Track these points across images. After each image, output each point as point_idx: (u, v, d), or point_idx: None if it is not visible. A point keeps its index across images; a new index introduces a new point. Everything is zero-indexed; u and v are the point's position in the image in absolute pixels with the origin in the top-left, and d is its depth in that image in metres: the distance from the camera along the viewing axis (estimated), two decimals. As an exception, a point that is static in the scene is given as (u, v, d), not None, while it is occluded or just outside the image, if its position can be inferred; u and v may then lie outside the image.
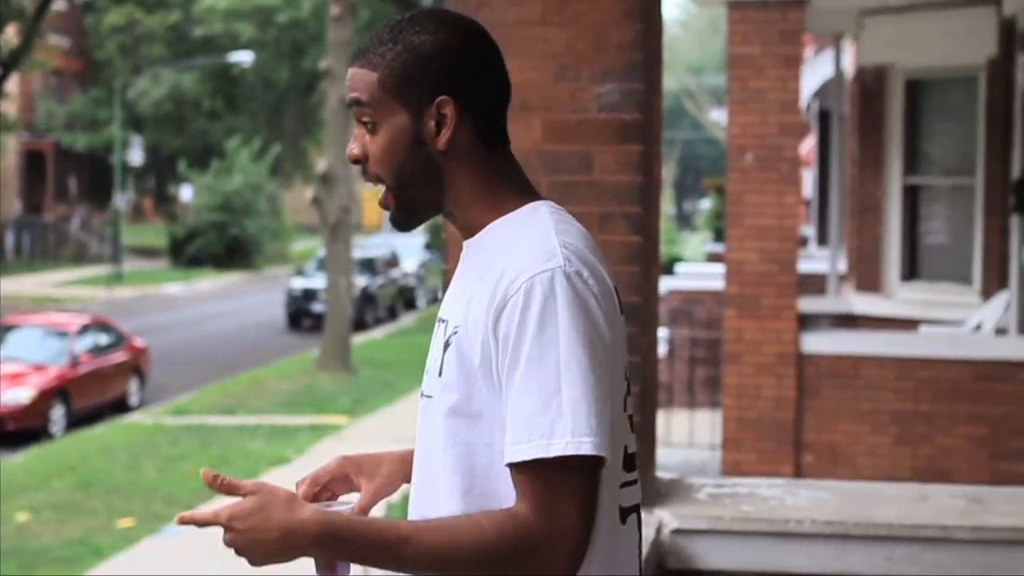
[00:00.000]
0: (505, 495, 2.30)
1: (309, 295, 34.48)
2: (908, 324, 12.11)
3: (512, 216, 2.42)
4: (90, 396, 22.38)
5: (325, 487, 2.62)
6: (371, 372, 26.42)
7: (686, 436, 13.62)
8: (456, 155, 2.42)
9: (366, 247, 39.73)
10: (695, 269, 22.73)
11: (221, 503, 2.24)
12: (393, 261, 38.71)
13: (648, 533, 4.06)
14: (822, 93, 18.83)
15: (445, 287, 4.26)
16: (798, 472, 10.65)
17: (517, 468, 2.26)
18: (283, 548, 2.33)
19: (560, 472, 2.23)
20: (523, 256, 2.31)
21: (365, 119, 2.43)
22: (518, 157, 4.25)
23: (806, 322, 11.75)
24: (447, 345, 2.37)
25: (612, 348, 2.32)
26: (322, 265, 31.97)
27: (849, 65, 15.36)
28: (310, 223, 55.59)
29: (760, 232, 10.82)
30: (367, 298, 35.20)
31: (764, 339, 10.82)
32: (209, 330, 33.80)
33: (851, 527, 4.11)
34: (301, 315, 34.79)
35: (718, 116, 47.95)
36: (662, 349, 16.50)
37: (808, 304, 12.42)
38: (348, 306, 27.57)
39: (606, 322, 2.31)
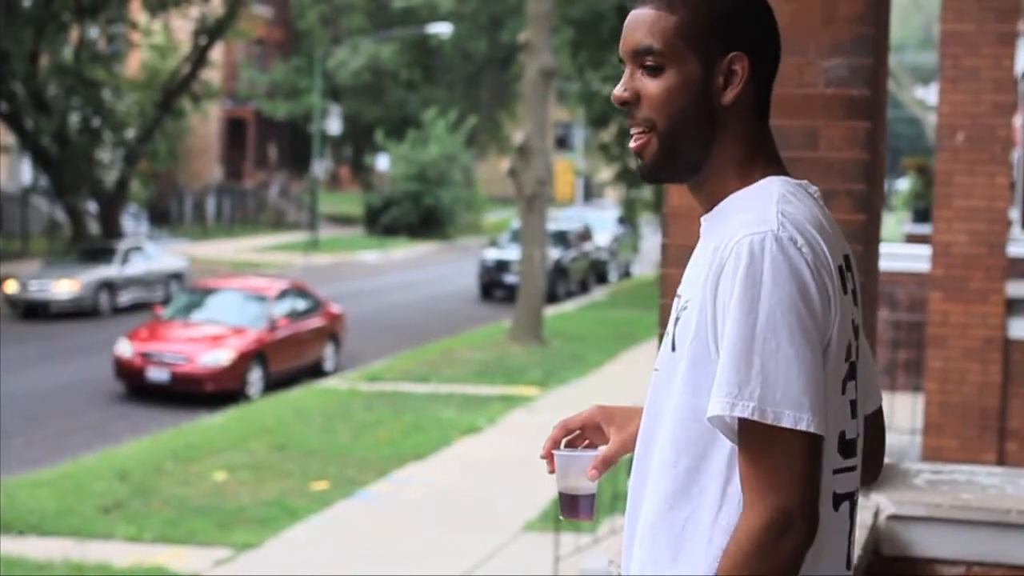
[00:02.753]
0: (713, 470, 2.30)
1: (502, 266, 34.65)
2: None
3: (748, 188, 2.38)
4: (287, 360, 22.77)
5: (581, 434, 2.63)
6: (562, 345, 26.46)
7: (887, 419, 13.39)
8: (734, 115, 2.38)
9: (559, 220, 39.79)
10: (894, 250, 22.34)
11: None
12: (586, 235, 38.70)
13: (865, 518, 3.98)
14: (1033, 72, 18.32)
15: (666, 263, 4.21)
16: (1001, 460, 10.41)
17: (734, 435, 2.24)
18: None
19: (764, 444, 2.21)
20: (739, 222, 2.28)
21: (650, 63, 2.37)
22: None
23: (1014, 307, 11.46)
24: (676, 320, 2.36)
25: (823, 321, 2.26)
26: (516, 237, 32.12)
27: (1064, 44, 14.91)
28: (503, 195, 55.94)
29: (969, 213, 10.58)
30: (559, 271, 35.27)
31: (970, 323, 10.58)
32: (402, 298, 34.17)
33: (1077, 519, 3.99)
34: (494, 286, 34.99)
35: (921, 94, 47.04)
36: (861, 330, 16.22)
37: (1016, 288, 12.11)
38: (541, 278, 27.62)
39: (818, 293, 2.25)
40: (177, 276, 32.13)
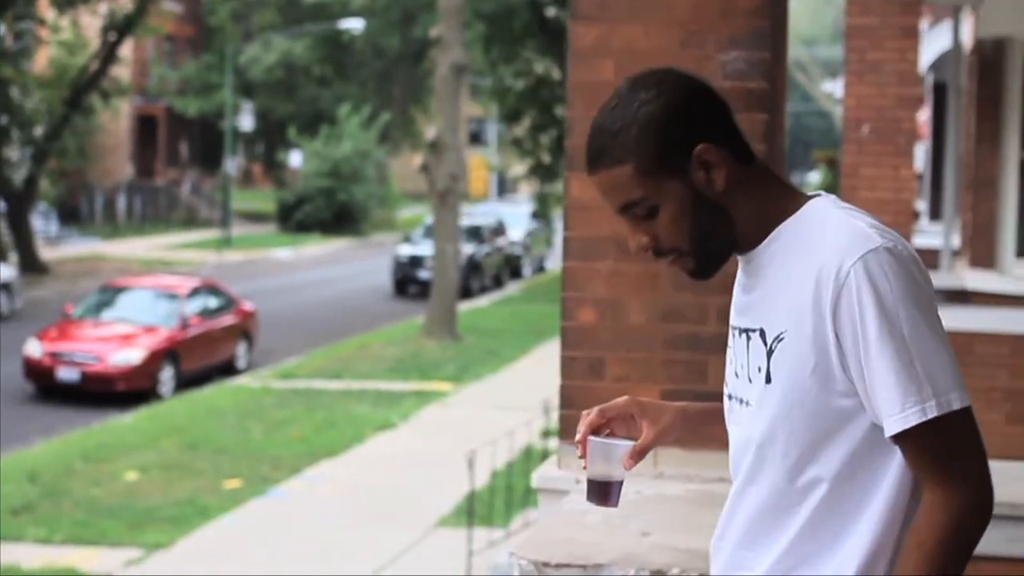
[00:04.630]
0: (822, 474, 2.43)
1: (416, 262, 34.62)
2: (1023, 301, 11.90)
3: (797, 217, 2.47)
4: (199, 358, 22.62)
5: (609, 421, 2.72)
6: (476, 340, 26.48)
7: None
8: (732, 188, 2.47)
9: (473, 215, 39.78)
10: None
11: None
12: (500, 230, 38.73)
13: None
14: (938, 66, 18.54)
15: (568, 255, 4.22)
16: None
17: (903, 444, 2.36)
18: None
19: (942, 435, 2.34)
20: (839, 246, 2.37)
21: (640, 214, 2.47)
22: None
23: (919, 298, 11.57)
24: (771, 352, 2.44)
25: (935, 303, 2.42)
26: (429, 232, 32.08)
27: (967, 37, 15.10)
28: (417, 190, 55.86)
29: (875, 205, 10.67)
30: (473, 266, 35.27)
31: (877, 314, 10.67)
32: (316, 295, 34.04)
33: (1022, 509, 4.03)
34: (407, 282, 34.95)
35: (830, 88, 47.45)
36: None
37: (921, 279, 12.23)
38: (454, 273, 27.62)
39: (926, 282, 2.41)
40: (5, 287, 28.63)
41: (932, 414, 2.32)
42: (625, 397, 2.77)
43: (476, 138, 67.90)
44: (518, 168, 47.27)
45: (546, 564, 3.46)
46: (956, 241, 14.49)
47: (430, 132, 27.97)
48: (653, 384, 4.25)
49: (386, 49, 55.61)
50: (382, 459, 16.59)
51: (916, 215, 22.31)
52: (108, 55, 37.35)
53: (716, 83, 4.14)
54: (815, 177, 48.12)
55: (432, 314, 26.96)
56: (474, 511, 12.12)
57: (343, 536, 13.29)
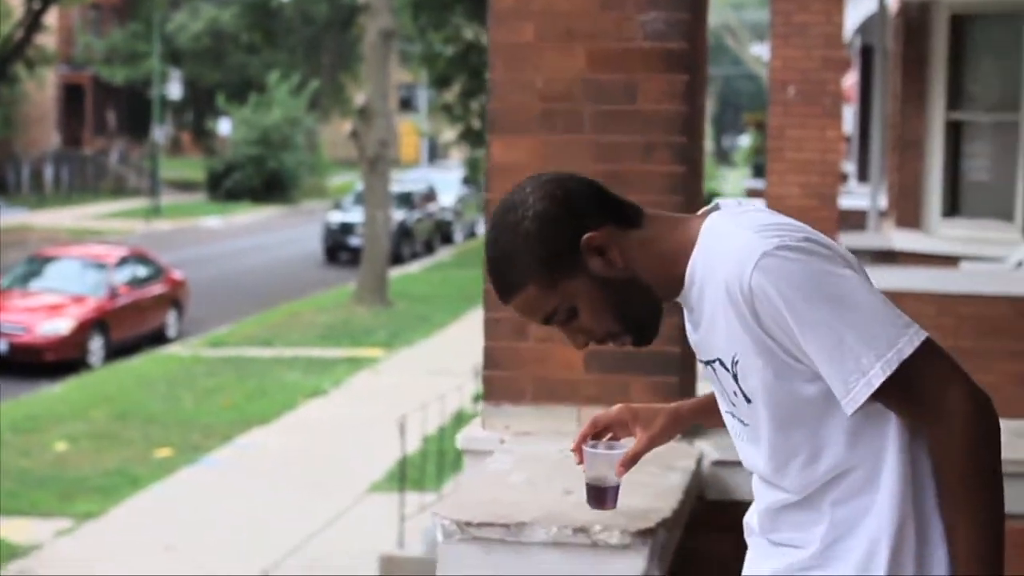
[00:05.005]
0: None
1: (346, 229, 34.48)
2: (949, 261, 12.01)
3: (697, 249, 2.53)
4: (128, 328, 22.47)
5: (606, 428, 2.84)
6: (407, 306, 26.45)
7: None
8: (631, 256, 2.54)
9: (403, 181, 39.66)
10: (733, 205, 22.57)
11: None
12: (431, 195, 38.64)
13: (688, 464, 4.04)
14: (864, 28, 18.63)
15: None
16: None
17: (883, 405, 2.42)
18: None
19: (908, 384, 2.39)
20: (733, 266, 2.42)
21: (563, 319, 2.55)
22: (560, 87, 4.22)
23: (846, 258, 11.66)
24: (736, 376, 2.52)
25: (846, 259, 2.47)
26: (359, 199, 31.95)
27: (893, 0, 15.19)
28: (348, 157, 55.56)
29: (801, 166, 10.75)
30: (404, 232, 35.19)
31: (804, 275, 10.74)
32: (246, 263, 33.87)
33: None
34: (338, 249, 34.81)
35: (759, 51, 47.62)
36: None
37: (848, 240, 12.33)
38: (385, 240, 27.56)
39: (827, 250, 2.43)
40: None
41: (879, 380, 2.37)
42: (619, 405, 2.86)
43: (406, 104, 67.60)
44: (449, 134, 47.13)
45: (468, 524, 3.46)
46: (883, 202, 14.60)
47: (359, 99, 27.87)
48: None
49: (315, 16, 55.25)
50: (313, 426, 16.57)
51: (844, 177, 22.44)
52: (33, 23, 36.92)
53: (636, 44, 4.17)
54: (745, 140, 48.31)
55: (363, 281, 26.89)
56: (406, 476, 12.13)
57: (275, 503, 13.27)
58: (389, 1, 27.74)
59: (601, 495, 2.80)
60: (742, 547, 4.29)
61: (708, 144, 65.45)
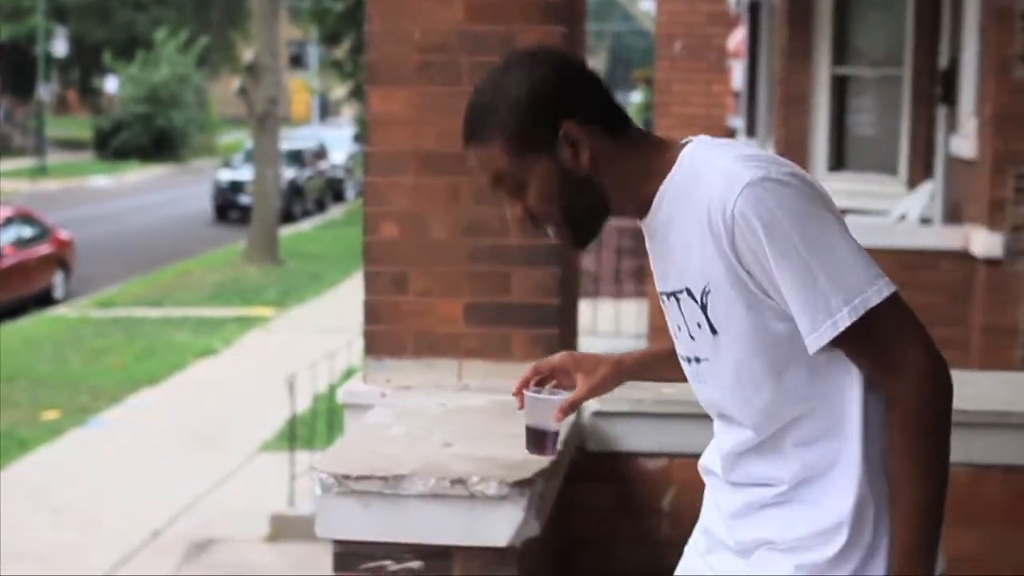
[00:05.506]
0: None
1: (236, 187, 34.21)
2: (834, 215, 12.13)
3: (673, 174, 2.52)
4: (14, 289, 22.12)
5: (548, 375, 2.83)
6: (298, 264, 26.32)
7: (612, 325, 13.65)
8: (602, 161, 2.52)
9: (294, 139, 39.41)
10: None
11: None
12: (321, 153, 38.43)
13: (568, 416, 4.04)
14: (751, -17, 18.71)
15: (370, 170, 4.19)
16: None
17: (845, 352, 2.45)
18: None
19: (870, 334, 2.40)
20: (717, 191, 2.41)
21: (510, 189, 2.55)
22: (437, 38, 4.20)
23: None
24: (705, 306, 2.51)
25: (831, 203, 2.47)
26: (249, 157, 31.70)
27: (779, -45, 15.27)
28: (238, 115, 54.99)
29: (688, 120, 10.82)
30: (295, 190, 34.99)
31: (691, 229, 10.82)
32: (135, 223, 33.50)
33: (771, 409, 4.12)
34: (228, 207, 34.54)
35: (648, 7, 47.74)
36: (590, 240, 16.46)
37: (735, 195, 12.42)
38: (275, 198, 27.40)
39: (812, 190, 2.44)
40: None
41: (844, 324, 2.38)
42: (561, 353, 2.87)
43: (297, 61, 67.07)
44: (340, 91, 46.88)
45: (347, 477, 3.46)
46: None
47: (247, 55, 27.61)
48: (457, 297, 4.26)
49: (203, -29, 54.62)
50: (204, 386, 16.44)
51: (733, 132, 22.57)
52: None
53: (513, -6, 4.15)
54: (637, 96, 48.47)
55: (253, 239, 26.73)
56: (296, 435, 12.07)
57: (165, 463, 13.16)
58: (277, -43, 27.49)
59: (541, 440, 2.78)
60: (623, 497, 4.33)
61: (600, 100, 65.69)
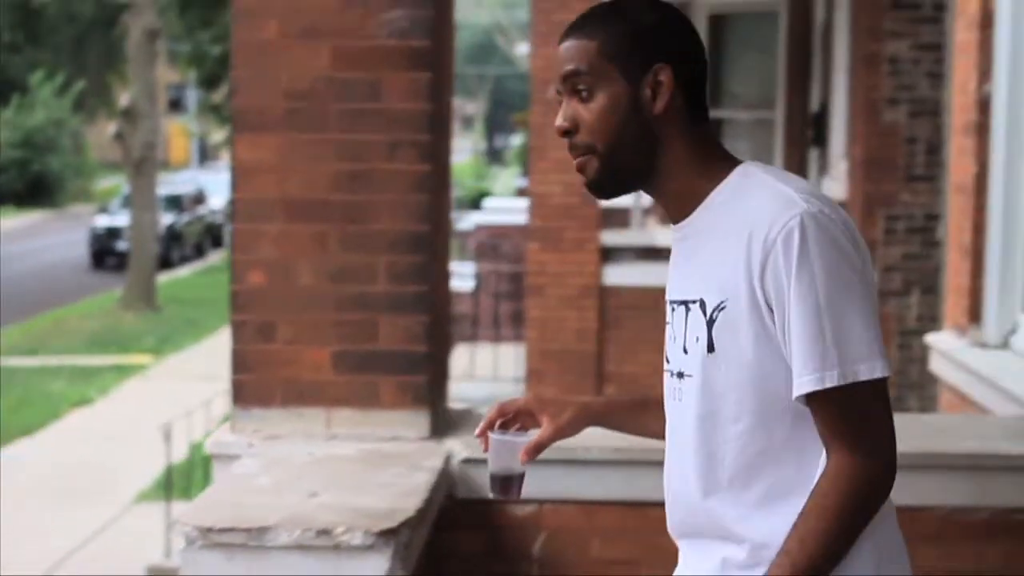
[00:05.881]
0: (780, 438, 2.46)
1: (113, 233, 33.81)
2: (710, 256, 12.25)
3: (726, 184, 2.49)
4: None
5: (513, 417, 2.74)
6: (177, 310, 26.07)
7: (490, 370, 13.65)
8: (670, 122, 2.49)
9: (172, 183, 39.09)
10: (503, 204, 22.80)
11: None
12: (200, 198, 38.14)
13: (436, 464, 4.03)
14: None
15: (237, 217, 4.15)
16: (602, 403, 10.73)
17: (811, 409, 2.41)
18: None
19: (846, 404, 2.38)
20: (766, 213, 2.39)
21: (580, 87, 2.49)
22: (304, 85, 4.19)
23: (610, 255, 11.83)
24: (712, 322, 2.45)
25: (866, 270, 2.44)
26: (127, 202, 31.38)
27: None
28: (115, 160, 54.48)
29: (563, 165, 10.81)
30: (173, 236, 34.68)
31: (566, 272, 10.87)
32: (10, 270, 32.95)
33: (638, 453, 4.12)
34: (105, 253, 34.11)
35: (527, 50, 48.03)
36: (469, 283, 16.50)
37: (612, 237, 12.50)
38: (153, 244, 27.15)
39: (856, 250, 2.41)
40: None
41: (830, 383, 2.36)
42: (528, 394, 2.90)
43: (176, 105, 66.53)
44: (219, 135, 46.64)
45: (210, 529, 3.41)
46: (646, 199, 14.82)
47: (124, 99, 27.38)
48: (324, 346, 4.23)
49: (79, 14, 54.09)
50: (80, 435, 16.22)
51: (611, 175, 22.67)
52: None
53: (379, 42, 4.16)
54: (518, 139, 48.68)
55: (131, 286, 26.45)
56: (172, 484, 11.94)
57: (40, 515, 12.95)
58: (153, 0, 27.30)
59: (507, 484, 2.71)
60: (493, 544, 4.31)
61: (481, 143, 65.60)
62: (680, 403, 2.55)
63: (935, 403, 7.46)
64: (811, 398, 2.39)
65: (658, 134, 2.49)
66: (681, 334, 2.53)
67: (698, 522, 2.55)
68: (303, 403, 4.27)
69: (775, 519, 2.45)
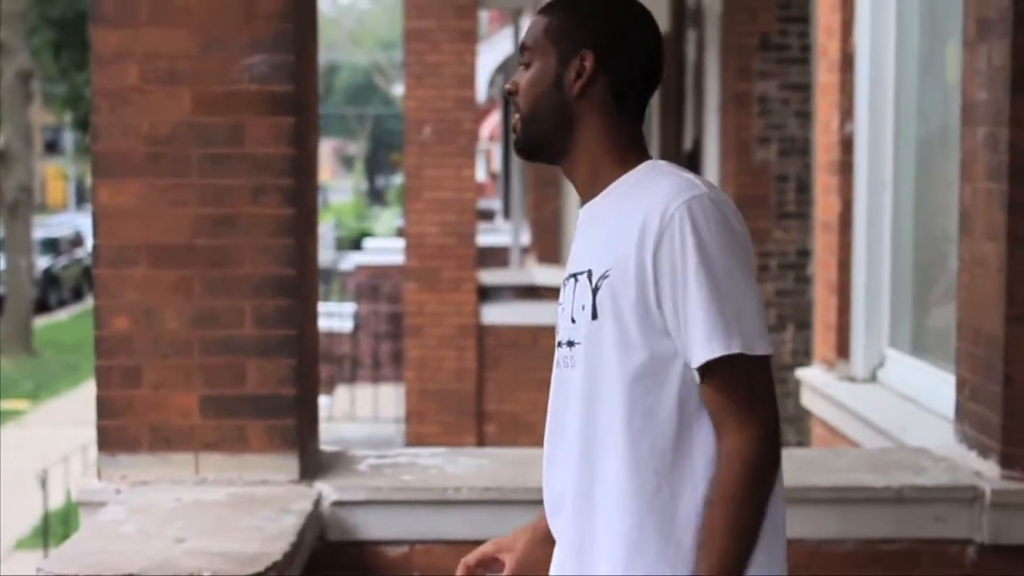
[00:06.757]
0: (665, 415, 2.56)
1: (-12, 277, 33.30)
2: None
3: (633, 172, 2.67)
4: None
5: (480, 568, 2.95)
6: (55, 355, 25.73)
7: (371, 410, 13.62)
8: (587, 106, 2.69)
9: (49, 226, 38.55)
10: (383, 244, 22.78)
11: None
12: (78, 240, 37.64)
13: (305, 506, 4.03)
14: (505, 69, 19.03)
15: (98, 263, 4.13)
16: (481, 442, 10.77)
17: (707, 381, 2.52)
18: None
19: (744, 375, 2.51)
20: (664, 194, 2.55)
21: (524, 59, 2.75)
22: (166, 130, 4.18)
23: (490, 294, 11.88)
24: (597, 289, 2.59)
25: (752, 257, 2.61)
26: (1, 246, 30.94)
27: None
28: (-9, 203, 53.73)
29: (439, 205, 10.89)
30: (50, 279, 34.20)
31: (445, 311, 10.89)
32: None
33: (508, 492, 4.16)
34: (-21, 298, 33.59)
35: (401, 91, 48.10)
36: (348, 324, 16.46)
37: (491, 276, 12.56)
38: (29, 288, 26.82)
39: (745, 234, 2.60)
40: None
41: (736, 350, 2.48)
42: (484, 544, 2.96)
43: (52, 147, 65.78)
44: (96, 178, 46.04)
45: (73, 578, 3.39)
46: (526, 239, 14.92)
47: (-2, 142, 27.03)
48: (191, 390, 4.22)
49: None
50: (-46, 483, 15.93)
51: (491, 215, 22.83)
52: None
53: (241, 87, 4.16)
54: (398, 179, 48.69)
55: (6, 330, 26.09)
56: (50, 531, 11.78)
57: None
58: (27, 41, 27.03)
59: None
60: (364, 586, 4.31)
61: (362, 183, 65.33)
62: (572, 369, 2.67)
63: (810, 437, 7.57)
64: (709, 368, 2.51)
65: (574, 114, 2.69)
66: (569, 304, 2.68)
67: (573, 485, 2.65)
68: (171, 448, 4.24)
69: (651, 476, 2.56)
